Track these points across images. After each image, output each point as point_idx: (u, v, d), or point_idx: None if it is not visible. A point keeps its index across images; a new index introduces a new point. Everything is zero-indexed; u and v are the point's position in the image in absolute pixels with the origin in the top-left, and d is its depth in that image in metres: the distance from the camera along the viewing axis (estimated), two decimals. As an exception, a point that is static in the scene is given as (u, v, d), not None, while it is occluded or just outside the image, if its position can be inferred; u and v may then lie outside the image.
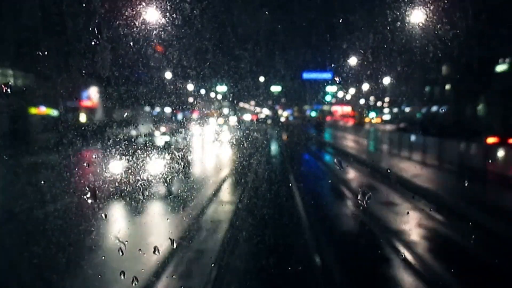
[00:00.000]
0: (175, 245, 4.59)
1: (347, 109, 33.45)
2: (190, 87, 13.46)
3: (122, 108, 7.47)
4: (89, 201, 4.53)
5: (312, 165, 15.80)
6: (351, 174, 12.09)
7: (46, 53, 6.67)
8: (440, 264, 5.83)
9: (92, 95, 10.53)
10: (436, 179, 11.56)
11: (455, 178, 10.99)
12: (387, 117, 31.67)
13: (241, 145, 7.75)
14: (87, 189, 4.58)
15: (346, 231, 7.51)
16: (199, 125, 10.82)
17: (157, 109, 9.93)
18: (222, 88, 15.92)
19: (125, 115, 7.40)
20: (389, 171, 11.46)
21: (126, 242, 4.18)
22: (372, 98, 31.30)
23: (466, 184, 8.82)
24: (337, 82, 16.46)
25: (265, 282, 4.97)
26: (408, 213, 8.00)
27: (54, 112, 8.66)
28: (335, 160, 18.45)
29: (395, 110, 31.07)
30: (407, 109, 29.07)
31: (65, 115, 7.35)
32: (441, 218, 7.70)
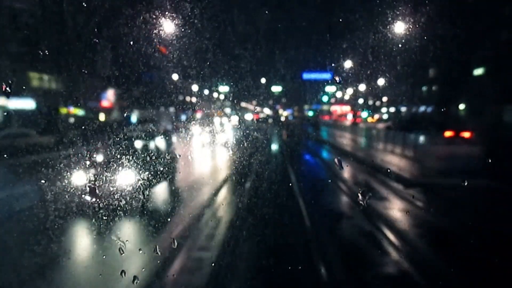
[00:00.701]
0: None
1: (346, 108, 33.96)
2: (195, 87, 14.38)
3: (135, 108, 8.77)
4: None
5: (306, 154, 18.23)
6: (334, 156, 17.63)
7: (72, 59, 7.99)
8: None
9: (110, 97, 11.69)
10: (380, 155, 15.82)
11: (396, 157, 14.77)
12: (385, 116, 32.62)
13: (246, 141, 9.13)
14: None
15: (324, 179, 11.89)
16: (205, 124, 12.18)
17: (161, 109, 10.84)
18: (224, 88, 16.38)
19: (141, 114, 8.62)
20: (357, 154, 16.45)
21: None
22: (370, 98, 32.32)
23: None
24: (336, 82, 17.65)
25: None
26: (347, 165, 11.32)
27: (80, 112, 10.04)
28: (324, 150, 21.61)
29: (392, 109, 32.10)
30: (403, 109, 30.14)
31: (89, 114, 8.64)
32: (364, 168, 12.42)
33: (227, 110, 19.30)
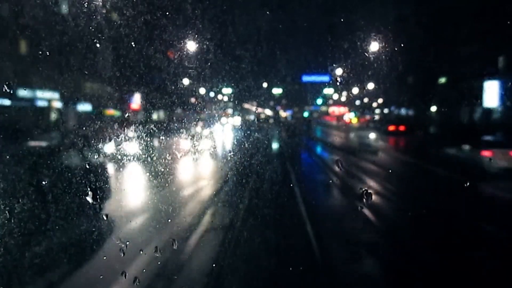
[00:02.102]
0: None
1: (343, 109, 36.15)
2: (202, 90, 16.27)
3: (156, 110, 11.44)
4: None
5: (297, 144, 21.87)
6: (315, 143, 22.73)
7: (108, 67, 10.23)
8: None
9: (137, 100, 14.01)
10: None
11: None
12: (377, 117, 35.08)
13: (254, 135, 12.50)
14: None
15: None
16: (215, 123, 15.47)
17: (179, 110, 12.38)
18: (227, 90, 17.90)
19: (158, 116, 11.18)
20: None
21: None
22: (366, 100, 34.52)
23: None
24: (334, 84, 20.23)
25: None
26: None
27: (117, 113, 12.79)
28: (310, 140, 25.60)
29: (386, 111, 34.45)
30: (396, 111, 32.59)
31: (123, 116, 11.27)
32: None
33: (230, 111, 21.47)
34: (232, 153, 9.73)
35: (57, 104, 15.04)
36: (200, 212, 8.25)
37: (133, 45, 8.56)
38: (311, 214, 8.45)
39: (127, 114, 11.85)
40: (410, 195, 9.39)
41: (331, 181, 11.56)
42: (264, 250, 6.51)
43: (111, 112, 13.58)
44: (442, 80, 19.98)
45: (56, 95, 13.99)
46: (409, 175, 12.46)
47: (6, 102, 11.58)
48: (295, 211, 8.62)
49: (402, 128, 19.87)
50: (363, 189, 8.25)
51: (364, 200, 6.65)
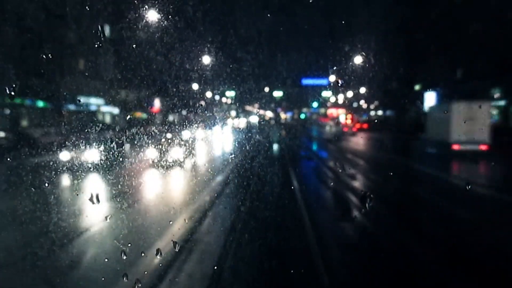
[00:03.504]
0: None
1: (341, 111, 38.18)
2: (209, 94, 18.17)
3: (171, 112, 14.03)
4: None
5: (294, 140, 25.16)
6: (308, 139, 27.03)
7: (134, 76, 12.23)
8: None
9: (157, 104, 16.42)
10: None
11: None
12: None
13: (259, 133, 15.96)
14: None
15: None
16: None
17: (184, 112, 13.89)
18: (230, 93, 20.46)
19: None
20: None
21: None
22: (362, 102, 36.70)
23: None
24: (331, 87, 22.71)
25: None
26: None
27: (143, 115, 15.54)
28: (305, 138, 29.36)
29: (380, 112, 36.63)
30: (388, 113, 34.94)
31: (149, 117, 13.93)
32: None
33: (234, 113, 23.89)
34: (245, 141, 13.91)
35: (104, 109, 18.27)
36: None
37: (154, 59, 10.70)
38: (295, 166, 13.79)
39: (150, 116, 14.58)
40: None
41: (308, 153, 19.41)
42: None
43: (139, 114, 16.30)
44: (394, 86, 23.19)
45: (101, 101, 17.00)
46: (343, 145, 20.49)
47: (72, 107, 14.48)
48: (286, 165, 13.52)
49: (365, 126, 28.17)
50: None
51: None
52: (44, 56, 9.96)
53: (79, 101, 12.34)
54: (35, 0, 12.34)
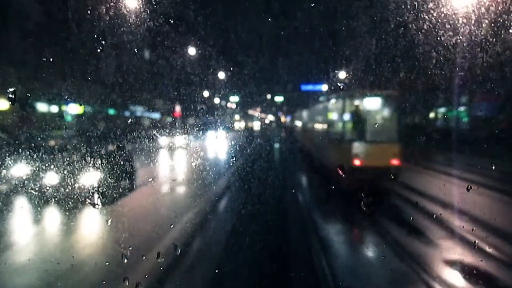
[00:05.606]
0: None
1: None
2: (217, 100, 20.58)
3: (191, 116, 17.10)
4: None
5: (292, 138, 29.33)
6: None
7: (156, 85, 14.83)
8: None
9: (178, 109, 18.29)
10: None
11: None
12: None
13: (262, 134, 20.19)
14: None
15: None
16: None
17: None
18: (234, 99, 22.53)
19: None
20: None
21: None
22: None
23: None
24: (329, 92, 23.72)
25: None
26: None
27: (169, 119, 18.54)
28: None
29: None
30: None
31: (174, 121, 16.81)
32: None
33: (237, 117, 26.33)
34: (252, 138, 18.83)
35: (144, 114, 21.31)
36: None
37: (174, 70, 12.33)
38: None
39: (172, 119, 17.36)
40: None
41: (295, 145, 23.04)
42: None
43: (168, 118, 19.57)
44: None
45: (140, 108, 20.16)
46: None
47: (112, 111, 17.70)
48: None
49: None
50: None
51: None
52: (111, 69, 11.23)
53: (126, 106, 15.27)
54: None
